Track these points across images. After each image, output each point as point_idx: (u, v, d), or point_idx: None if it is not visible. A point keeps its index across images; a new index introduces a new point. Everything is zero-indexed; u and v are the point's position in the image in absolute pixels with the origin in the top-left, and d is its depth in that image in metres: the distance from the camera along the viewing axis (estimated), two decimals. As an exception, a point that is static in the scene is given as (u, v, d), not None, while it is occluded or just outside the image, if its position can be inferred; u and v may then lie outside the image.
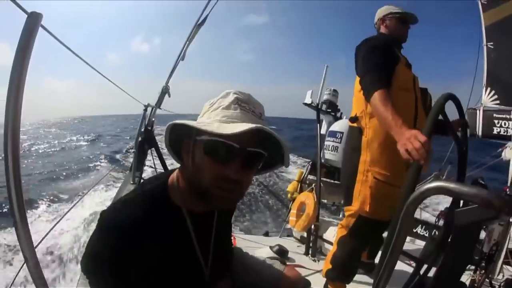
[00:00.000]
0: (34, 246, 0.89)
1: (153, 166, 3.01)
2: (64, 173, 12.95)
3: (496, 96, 3.78)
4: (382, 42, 2.12)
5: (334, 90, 4.34)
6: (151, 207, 0.88)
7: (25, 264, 0.89)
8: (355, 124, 2.13)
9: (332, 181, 3.71)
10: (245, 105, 0.89)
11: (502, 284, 1.73)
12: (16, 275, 1.16)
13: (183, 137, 0.92)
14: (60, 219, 1.67)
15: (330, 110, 4.32)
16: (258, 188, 10.68)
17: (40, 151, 20.12)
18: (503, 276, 1.97)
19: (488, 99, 3.81)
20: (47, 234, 1.41)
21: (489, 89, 3.85)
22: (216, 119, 0.85)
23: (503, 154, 4.19)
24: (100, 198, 7.37)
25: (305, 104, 4.19)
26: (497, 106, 3.73)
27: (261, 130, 0.81)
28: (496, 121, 3.61)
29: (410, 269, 2.52)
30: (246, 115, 0.87)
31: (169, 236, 0.89)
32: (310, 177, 4.03)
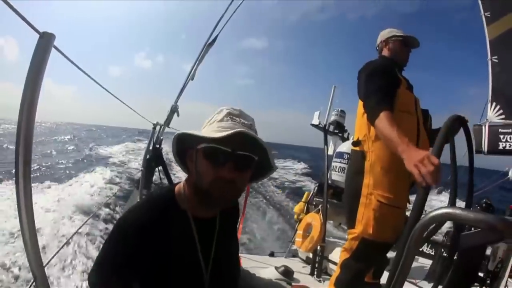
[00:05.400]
0: (44, 264, 0.90)
1: (161, 184, 3.02)
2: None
3: (501, 111, 3.70)
4: (384, 65, 2.16)
5: (342, 111, 4.34)
6: (159, 210, 1.02)
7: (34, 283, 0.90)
8: (357, 148, 2.16)
9: (339, 202, 3.70)
10: (236, 118, 1.04)
11: None
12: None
13: (187, 148, 1.07)
14: (70, 238, 1.69)
15: (337, 131, 4.32)
16: (262, 207, 10.65)
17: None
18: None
19: (493, 114, 3.74)
20: (56, 253, 1.42)
21: (494, 104, 3.77)
22: (212, 130, 0.99)
23: (510, 173, 4.13)
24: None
25: (313, 125, 4.21)
26: (503, 121, 3.66)
27: (249, 137, 0.97)
28: (501, 136, 3.53)
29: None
30: (236, 125, 1.01)
31: (175, 236, 1.01)
32: (317, 198, 4.03)
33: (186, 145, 1.07)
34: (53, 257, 1.35)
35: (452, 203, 1.47)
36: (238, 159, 0.98)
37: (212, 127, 1.02)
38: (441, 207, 0.81)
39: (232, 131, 0.94)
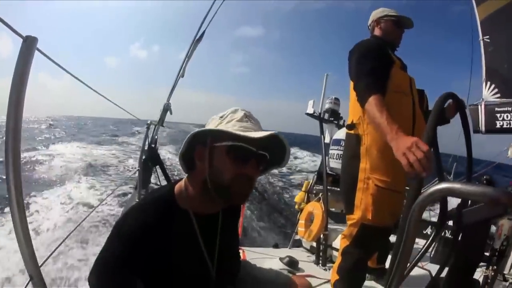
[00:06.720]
0: (39, 264, 0.90)
1: (159, 184, 3.00)
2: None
3: (496, 90, 3.68)
4: (376, 45, 2.09)
5: (336, 99, 4.33)
6: (160, 211, 1.02)
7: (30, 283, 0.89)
8: (352, 131, 2.10)
9: (338, 189, 3.70)
10: (252, 119, 1.09)
11: None
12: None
13: (193, 146, 1.08)
14: (65, 239, 1.67)
15: (332, 119, 4.31)
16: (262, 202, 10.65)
17: None
18: None
19: (488, 93, 3.73)
20: (52, 253, 1.41)
21: (489, 83, 3.76)
22: (235, 129, 1.02)
23: (509, 152, 4.14)
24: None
25: (308, 114, 4.20)
26: (499, 99, 3.66)
27: (265, 137, 1.00)
28: (498, 115, 3.52)
29: (421, 272, 2.50)
30: (255, 126, 1.07)
31: (178, 236, 1.01)
32: (317, 186, 4.05)
33: (193, 142, 1.08)
34: (49, 256, 1.34)
35: (440, 179, 1.44)
36: (259, 157, 1.05)
37: (232, 125, 1.05)
38: (440, 182, 0.78)
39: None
